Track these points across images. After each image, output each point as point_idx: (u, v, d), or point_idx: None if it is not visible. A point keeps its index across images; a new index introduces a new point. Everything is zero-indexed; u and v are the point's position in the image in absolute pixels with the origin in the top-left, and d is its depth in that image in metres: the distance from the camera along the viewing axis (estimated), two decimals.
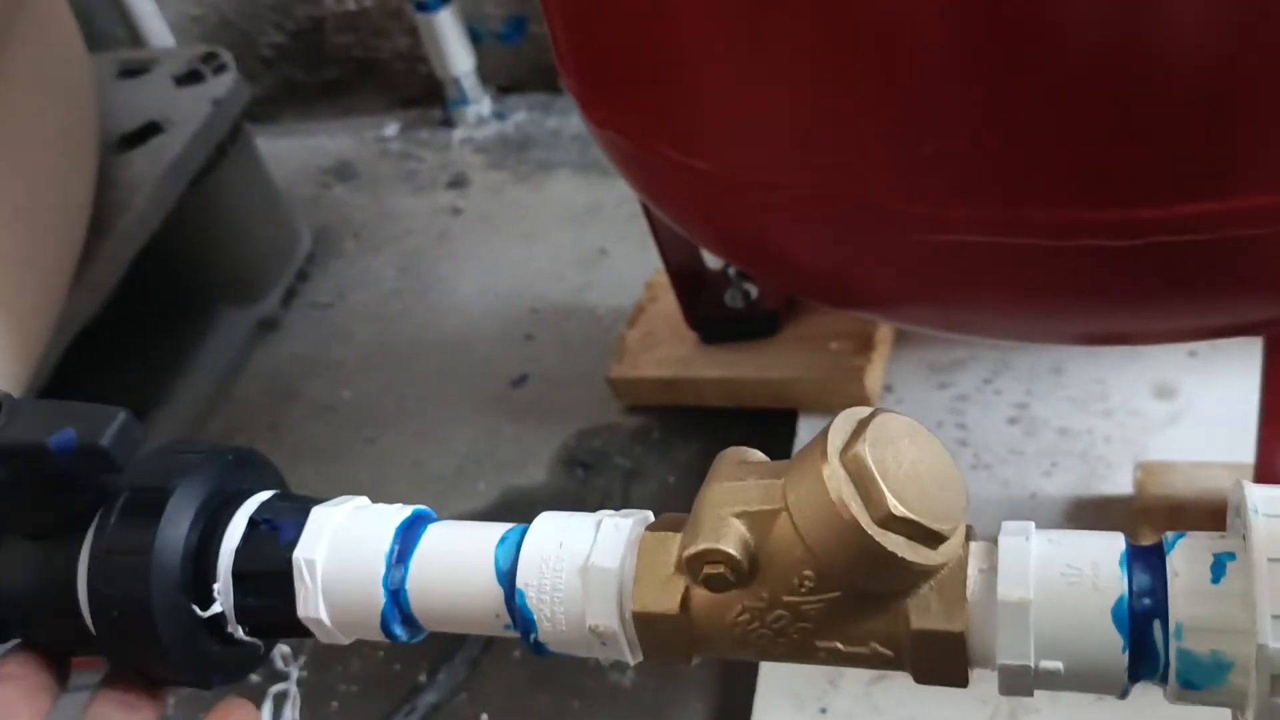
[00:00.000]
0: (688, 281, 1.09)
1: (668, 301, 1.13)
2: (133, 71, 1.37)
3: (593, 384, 1.18)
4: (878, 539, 0.34)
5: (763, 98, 0.58)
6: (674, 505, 1.05)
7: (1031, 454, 0.96)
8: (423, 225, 1.54)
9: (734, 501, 0.37)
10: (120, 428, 0.41)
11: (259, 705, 0.47)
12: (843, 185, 0.57)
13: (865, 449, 0.34)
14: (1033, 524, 0.37)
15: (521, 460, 1.15)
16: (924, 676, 0.37)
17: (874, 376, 1.02)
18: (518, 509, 1.10)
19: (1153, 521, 0.82)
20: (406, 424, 1.24)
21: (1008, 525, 0.37)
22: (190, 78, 1.34)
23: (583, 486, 1.11)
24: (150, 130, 1.25)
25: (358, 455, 1.21)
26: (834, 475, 0.34)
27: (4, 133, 0.85)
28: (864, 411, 0.36)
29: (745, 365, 1.07)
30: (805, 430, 1.04)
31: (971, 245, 0.54)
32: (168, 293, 1.33)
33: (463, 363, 1.29)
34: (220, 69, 1.34)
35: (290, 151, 1.76)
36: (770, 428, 1.07)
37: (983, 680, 0.37)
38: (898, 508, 0.34)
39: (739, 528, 0.36)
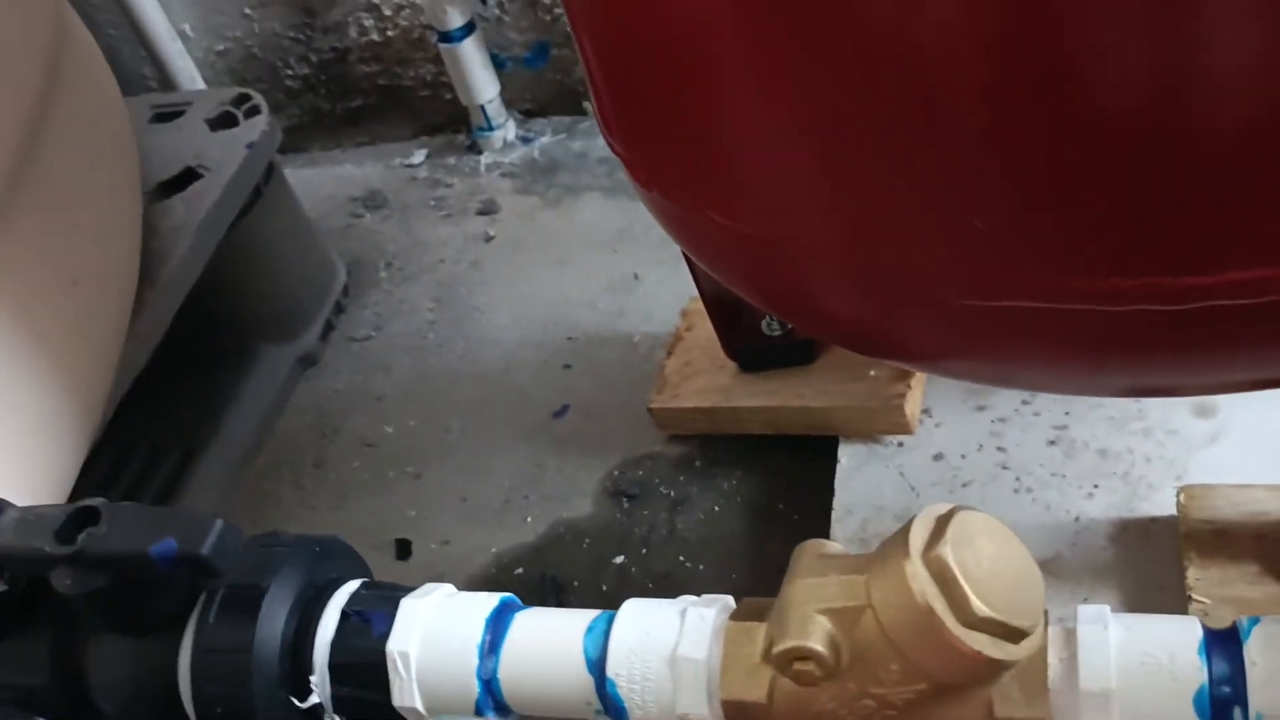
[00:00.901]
0: (724, 310, 1.10)
1: (704, 330, 1.14)
2: (165, 116, 1.39)
3: (632, 413, 1.20)
4: (964, 639, 0.35)
5: (804, 167, 0.59)
6: (719, 533, 1.08)
7: (1073, 476, 0.97)
8: (455, 254, 1.56)
9: (819, 599, 0.38)
10: (219, 535, 0.43)
11: None
12: (888, 253, 0.58)
13: (948, 551, 0.36)
14: (1108, 608, 0.38)
15: (567, 492, 1.16)
16: None
17: (913, 403, 1.03)
18: (565, 541, 1.12)
19: (1198, 546, 0.83)
20: (450, 458, 1.25)
21: (1084, 611, 0.38)
22: (223, 120, 1.36)
23: (628, 518, 1.12)
24: (188, 176, 1.27)
25: (403, 491, 1.23)
26: (917, 576, 0.36)
27: (56, 201, 0.87)
28: (943, 508, 0.38)
29: (785, 394, 1.09)
30: (846, 458, 1.05)
31: (1017, 310, 0.55)
32: (209, 333, 1.35)
33: (502, 394, 1.31)
34: (253, 111, 1.36)
35: (318, 181, 1.78)
36: (811, 454, 1.08)
37: None
38: (982, 609, 0.35)
39: (825, 624, 0.38)
